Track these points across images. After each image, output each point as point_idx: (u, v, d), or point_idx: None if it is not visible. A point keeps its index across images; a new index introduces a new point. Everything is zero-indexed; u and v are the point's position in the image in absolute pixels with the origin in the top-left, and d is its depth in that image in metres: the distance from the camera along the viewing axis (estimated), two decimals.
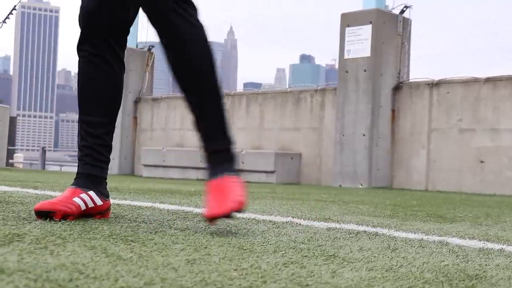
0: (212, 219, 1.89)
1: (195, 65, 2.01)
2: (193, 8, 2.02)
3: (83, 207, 2.06)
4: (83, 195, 2.08)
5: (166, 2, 1.97)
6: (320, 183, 9.45)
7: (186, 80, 2.03)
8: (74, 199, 2.05)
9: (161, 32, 2.01)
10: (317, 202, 4.11)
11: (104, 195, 2.17)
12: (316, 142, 9.71)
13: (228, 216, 1.87)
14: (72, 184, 2.13)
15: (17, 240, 1.46)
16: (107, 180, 2.23)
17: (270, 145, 10.19)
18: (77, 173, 2.17)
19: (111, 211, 2.30)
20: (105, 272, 1.11)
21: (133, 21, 2.23)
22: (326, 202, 4.17)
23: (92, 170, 2.15)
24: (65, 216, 1.97)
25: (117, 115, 2.23)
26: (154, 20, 2.01)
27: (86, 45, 2.16)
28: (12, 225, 1.76)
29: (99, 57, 2.16)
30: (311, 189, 7.24)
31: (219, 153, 2.03)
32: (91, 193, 2.11)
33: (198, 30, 2.01)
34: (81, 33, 2.17)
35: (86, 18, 2.14)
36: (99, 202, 2.13)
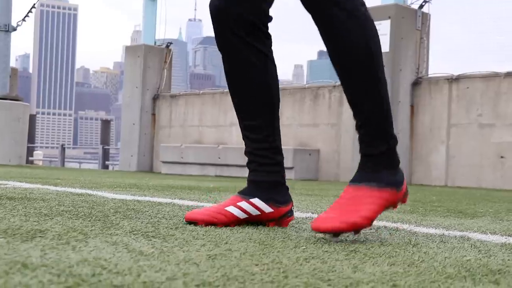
0: (314, 231, 1.70)
1: (346, 58, 1.80)
2: None
3: (240, 215, 1.95)
4: (242, 203, 1.97)
5: None
6: (338, 179, 9.42)
7: (340, 73, 1.82)
8: (227, 208, 1.95)
9: (316, 21, 1.81)
10: (336, 197, 4.10)
11: (276, 201, 1.99)
12: (334, 138, 9.68)
13: (333, 234, 1.70)
14: (237, 192, 2.04)
15: (40, 236, 1.48)
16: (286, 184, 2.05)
17: (288, 141, 10.18)
18: (247, 180, 2.05)
19: (290, 218, 2.05)
20: (128, 267, 1.12)
21: (267, 11, 2.03)
22: None
23: (257, 176, 2.01)
24: (209, 224, 1.90)
25: (275, 113, 2.03)
26: (310, 11, 1.81)
27: (220, 44, 2.00)
28: (34, 221, 1.78)
29: (232, 56, 2.00)
30: (330, 185, 7.22)
31: (370, 158, 1.82)
32: (255, 200, 1.98)
33: (357, 20, 1.78)
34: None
35: (213, 16, 2.00)
36: (267, 209, 1.98)
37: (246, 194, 2.00)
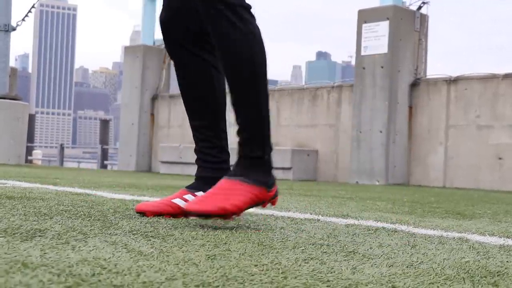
0: (186, 213, 1.93)
1: (233, 72, 2.00)
2: (246, 12, 1.99)
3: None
4: (188, 196, 2.16)
5: (213, 5, 1.95)
6: (336, 180, 9.43)
7: (228, 81, 2.03)
8: (174, 200, 2.16)
9: (211, 32, 2.02)
10: (335, 198, 4.11)
11: None
12: (332, 138, 9.69)
13: (205, 217, 1.91)
14: (185, 186, 2.23)
15: (39, 235, 1.48)
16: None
17: (287, 142, 10.18)
18: (195, 176, 2.26)
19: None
20: (127, 267, 1.12)
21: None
22: (343, 198, 4.16)
23: (202, 172, 2.23)
24: (157, 214, 2.10)
25: (219, 116, 2.24)
26: (204, 20, 2.02)
27: (170, 54, 2.25)
28: (34, 221, 1.78)
29: (181, 64, 2.23)
30: (328, 185, 7.23)
31: (246, 159, 2.00)
32: (199, 193, 2.15)
33: (244, 36, 1.97)
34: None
35: (162, 30, 2.24)
36: None
37: (192, 188, 2.20)
